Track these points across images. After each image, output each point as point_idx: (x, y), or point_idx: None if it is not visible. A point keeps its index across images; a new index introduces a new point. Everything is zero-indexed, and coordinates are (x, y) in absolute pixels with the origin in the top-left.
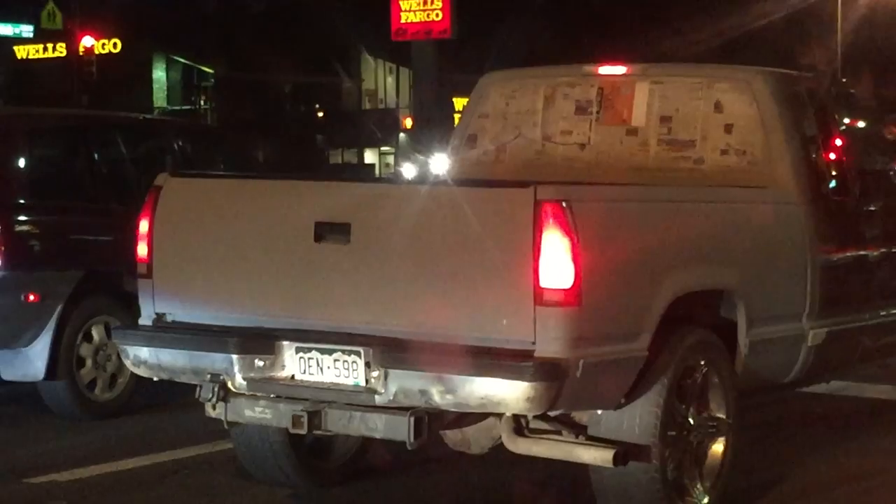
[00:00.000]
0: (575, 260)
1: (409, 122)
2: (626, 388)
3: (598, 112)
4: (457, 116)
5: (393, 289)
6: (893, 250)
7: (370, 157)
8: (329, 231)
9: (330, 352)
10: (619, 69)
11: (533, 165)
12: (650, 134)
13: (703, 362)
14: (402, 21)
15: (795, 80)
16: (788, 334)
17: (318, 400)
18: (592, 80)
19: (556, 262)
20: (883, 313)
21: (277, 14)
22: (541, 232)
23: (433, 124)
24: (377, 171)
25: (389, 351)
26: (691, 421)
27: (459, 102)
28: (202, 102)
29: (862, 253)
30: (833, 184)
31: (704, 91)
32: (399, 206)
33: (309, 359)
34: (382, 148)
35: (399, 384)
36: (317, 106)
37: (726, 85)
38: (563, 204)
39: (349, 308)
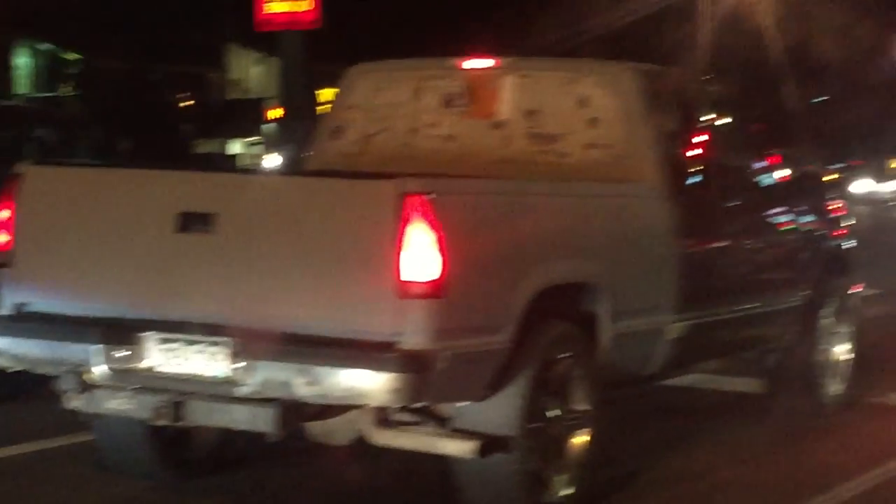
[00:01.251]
0: (439, 252)
1: (275, 113)
2: (489, 380)
3: (464, 105)
4: (323, 108)
5: (258, 280)
6: (751, 245)
7: (237, 147)
8: (193, 221)
9: (193, 342)
10: (487, 62)
11: (398, 158)
12: (516, 128)
13: (566, 355)
14: (267, 11)
15: (661, 75)
16: (650, 327)
17: (180, 391)
18: (460, 74)
19: (421, 255)
20: (741, 307)
21: (143, 2)
22: (406, 224)
23: (301, 115)
24: (240, 162)
25: (253, 341)
26: (554, 413)
27: (328, 93)
28: (70, 90)
29: (721, 247)
30: (694, 179)
31: (571, 86)
32: (264, 196)
33: (172, 349)
34: (249, 139)
35: (263, 375)
36: (183, 95)
37: (593, 80)
38: (428, 196)
39: (213, 299)
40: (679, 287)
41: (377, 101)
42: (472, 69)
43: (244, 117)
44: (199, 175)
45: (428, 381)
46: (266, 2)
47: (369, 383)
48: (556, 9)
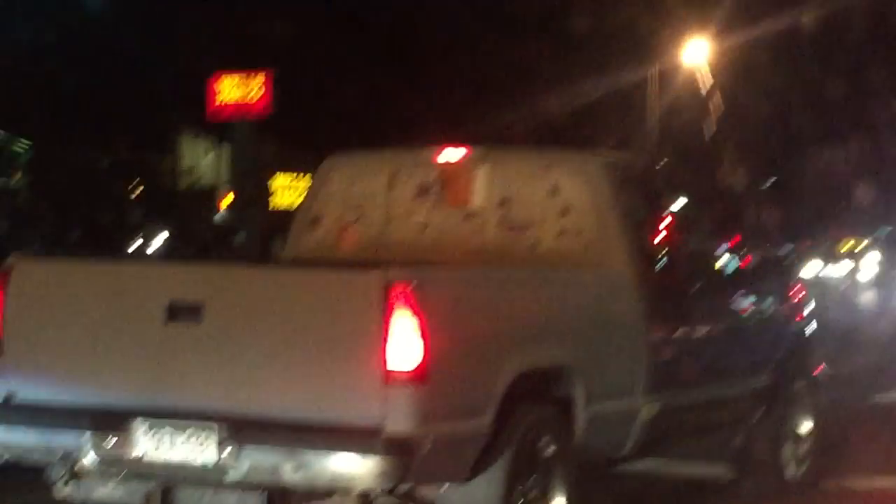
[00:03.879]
0: (423, 340)
1: (227, 201)
2: (471, 462)
3: (438, 194)
4: (277, 194)
5: (246, 369)
6: (717, 329)
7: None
8: (181, 311)
9: (182, 429)
10: (460, 152)
11: (374, 247)
12: (489, 216)
13: (544, 438)
14: (219, 101)
15: (627, 163)
16: (623, 409)
17: (169, 478)
18: (433, 163)
19: (405, 343)
20: (709, 389)
21: (96, 88)
22: (390, 313)
23: (254, 203)
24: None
25: (242, 427)
26: (532, 494)
27: (280, 179)
28: (20, 179)
29: (689, 331)
30: (664, 264)
31: (543, 174)
32: (251, 287)
33: (161, 436)
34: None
35: (251, 461)
36: (134, 182)
37: (563, 169)
38: (412, 284)
39: (203, 387)
40: (650, 370)
41: (353, 191)
42: (445, 160)
43: (196, 206)
44: (186, 266)
45: (413, 464)
46: (218, 93)
47: (357, 467)
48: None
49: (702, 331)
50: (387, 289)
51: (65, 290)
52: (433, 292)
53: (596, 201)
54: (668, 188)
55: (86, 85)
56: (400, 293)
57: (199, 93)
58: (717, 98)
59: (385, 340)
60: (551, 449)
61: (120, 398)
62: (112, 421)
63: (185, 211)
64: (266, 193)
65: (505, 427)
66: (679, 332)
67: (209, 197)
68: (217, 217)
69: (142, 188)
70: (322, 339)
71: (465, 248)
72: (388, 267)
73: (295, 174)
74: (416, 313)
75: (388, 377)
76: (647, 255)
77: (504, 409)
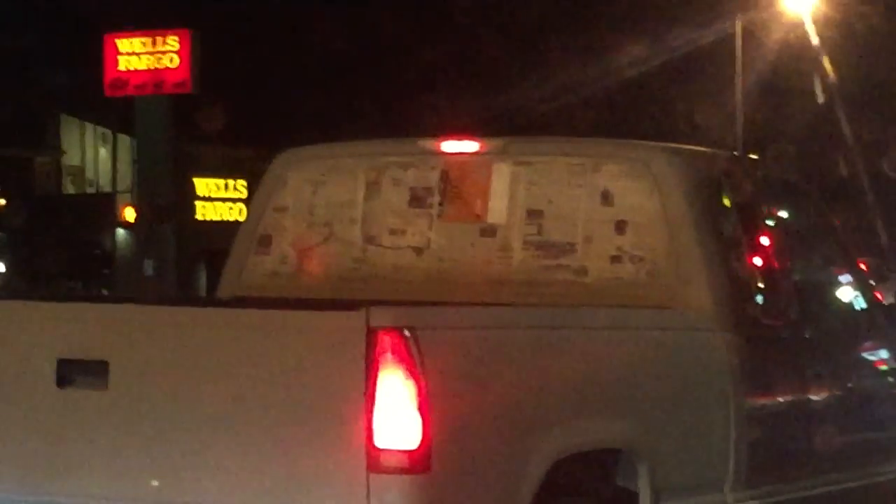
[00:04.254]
0: (422, 410)
1: (130, 213)
2: None
3: (440, 204)
4: (200, 204)
5: (170, 451)
6: (841, 394)
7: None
8: (78, 372)
9: None
10: (470, 145)
11: (352, 278)
12: (513, 234)
13: None
14: (122, 68)
15: (710, 160)
16: None
17: None
18: (432, 160)
19: (397, 414)
20: (828, 480)
21: None
22: (376, 371)
23: (167, 216)
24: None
25: None
26: None
27: (203, 185)
28: None
29: (802, 398)
30: (763, 303)
31: (588, 175)
32: (173, 336)
33: None
34: (94, 251)
35: None
36: None
37: (617, 167)
38: (406, 332)
39: (107, 477)
40: (746, 453)
41: (317, 201)
42: (448, 153)
43: (87, 219)
44: (81, 307)
45: None
46: (118, 54)
47: None
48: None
49: (818, 397)
50: (370, 338)
51: None
52: (436, 342)
53: (665, 213)
54: (768, 194)
55: None
56: (388, 344)
57: (90, 61)
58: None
59: (369, 411)
60: None
61: None
62: None
63: (66, 227)
64: (188, 202)
65: None
66: (785, 400)
67: (106, 206)
68: (119, 234)
69: (5, 198)
70: (281, 410)
71: (481, 280)
72: (370, 307)
73: (225, 180)
74: (411, 372)
75: (374, 462)
76: (739, 289)
77: None
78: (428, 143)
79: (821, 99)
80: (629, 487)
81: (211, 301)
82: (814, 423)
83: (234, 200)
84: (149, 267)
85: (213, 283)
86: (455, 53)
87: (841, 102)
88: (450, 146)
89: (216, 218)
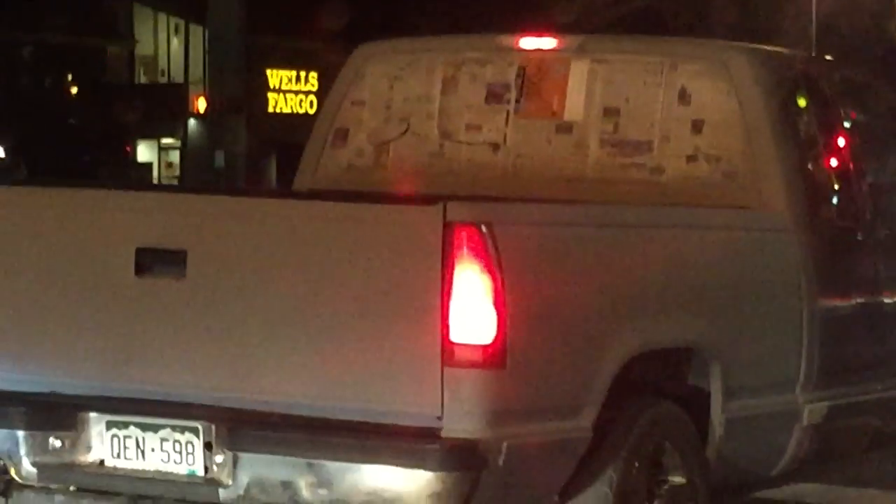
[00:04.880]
0: (497, 305)
1: (202, 104)
2: (564, 479)
3: (517, 100)
4: (272, 96)
5: (245, 343)
6: None
7: (145, 152)
8: (156, 261)
9: (155, 428)
10: (548, 41)
11: (428, 173)
12: (590, 132)
13: (665, 446)
14: None
15: (788, 61)
16: (778, 410)
17: (139, 495)
18: (510, 57)
19: (473, 309)
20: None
21: None
22: (452, 266)
23: (238, 107)
24: (156, 172)
25: (240, 427)
26: None
27: (275, 77)
28: None
29: (876, 300)
30: (838, 204)
31: (665, 74)
32: (251, 227)
33: (125, 437)
34: (163, 140)
35: (253, 474)
36: (69, 77)
37: (695, 66)
38: (483, 228)
39: (184, 368)
40: (818, 354)
41: (395, 95)
42: (526, 50)
43: (159, 110)
44: (161, 197)
45: (483, 483)
46: None
47: (402, 485)
48: None
49: (891, 300)
50: (446, 232)
51: None
52: (512, 238)
53: (743, 113)
54: (843, 95)
55: None
56: (465, 239)
57: None
58: None
59: (446, 306)
60: (676, 462)
61: (67, 382)
62: (55, 415)
63: (140, 118)
64: (260, 95)
65: (612, 431)
66: (858, 301)
67: (176, 97)
68: (191, 125)
69: (78, 86)
70: (353, 303)
71: (557, 177)
72: (447, 202)
73: (296, 71)
74: (487, 267)
75: (450, 358)
76: (815, 190)
77: (611, 405)
78: (505, 40)
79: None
80: (702, 386)
81: (288, 193)
82: (887, 325)
83: (305, 93)
84: (219, 158)
85: (283, 177)
86: None
87: None
88: (527, 43)
89: (287, 110)
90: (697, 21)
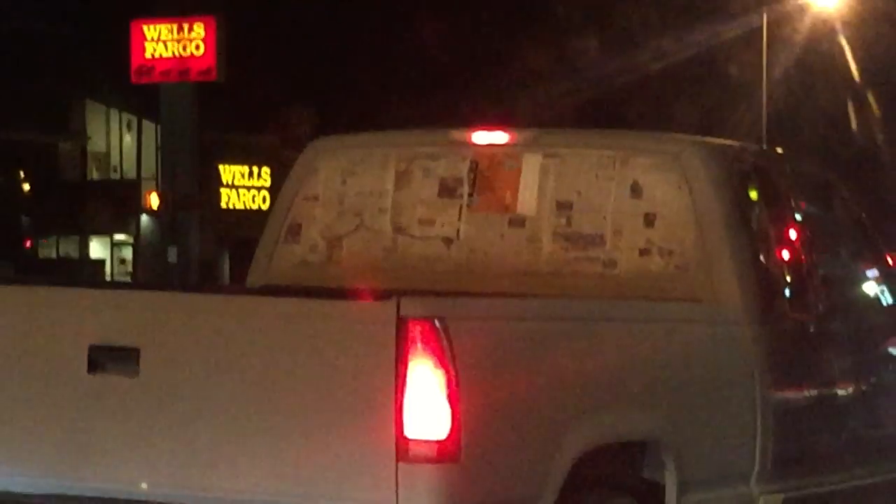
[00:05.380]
0: (451, 400)
1: (154, 200)
2: None
3: (470, 195)
4: (224, 192)
5: (200, 439)
6: (868, 389)
7: (98, 249)
8: (108, 358)
9: None
10: (500, 136)
11: (381, 267)
12: (543, 226)
13: None
14: (148, 55)
15: (739, 153)
16: (733, 502)
17: None
18: (462, 151)
19: (427, 404)
20: (854, 475)
21: None
22: (406, 361)
23: (191, 203)
24: (109, 269)
25: None
26: None
27: (228, 172)
28: None
29: (830, 391)
30: (790, 296)
31: (617, 168)
32: (204, 324)
33: None
34: (116, 236)
35: None
36: (21, 174)
37: (647, 160)
38: (437, 322)
39: (138, 465)
40: (773, 446)
41: (348, 190)
42: (479, 145)
43: (111, 206)
44: (113, 294)
45: None
46: (145, 41)
47: None
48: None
49: (845, 390)
50: (400, 327)
51: None
52: (466, 333)
53: (695, 206)
54: (795, 187)
55: None
56: (419, 334)
57: (114, 48)
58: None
59: (399, 401)
60: None
61: (18, 481)
62: None
63: (91, 214)
64: (212, 190)
65: None
66: (812, 393)
67: (130, 193)
68: (143, 221)
69: (30, 183)
70: (309, 398)
71: (511, 271)
72: (400, 297)
73: (248, 167)
74: (441, 362)
75: (404, 452)
76: (767, 283)
77: (566, 498)
78: (458, 134)
79: (855, 125)
80: (656, 479)
81: (242, 289)
82: (840, 417)
83: (258, 188)
84: (172, 254)
85: (236, 272)
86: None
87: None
88: (480, 137)
89: (240, 206)
90: (652, 112)
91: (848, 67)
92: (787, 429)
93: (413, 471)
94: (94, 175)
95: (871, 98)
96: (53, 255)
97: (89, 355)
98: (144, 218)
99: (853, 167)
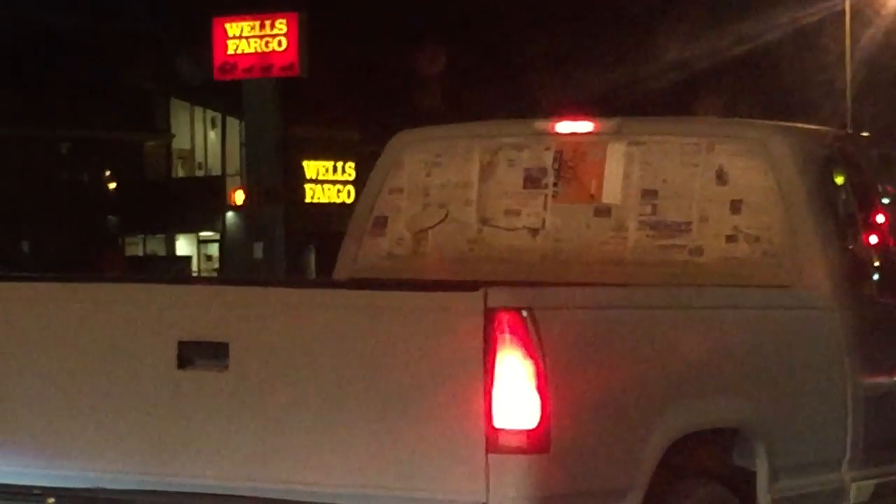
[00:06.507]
0: (540, 390)
1: (239, 196)
2: None
3: (555, 185)
4: (309, 187)
5: (288, 433)
6: None
7: (184, 246)
8: (198, 353)
9: None
10: (584, 125)
11: (467, 259)
12: (628, 215)
13: None
14: (231, 52)
15: (824, 138)
16: (824, 489)
17: None
18: (547, 141)
19: (516, 394)
20: None
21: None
22: (494, 352)
23: (276, 198)
24: (195, 265)
25: None
26: None
27: (312, 167)
28: None
29: None
30: (878, 280)
31: (703, 155)
32: (292, 318)
33: None
34: (202, 233)
35: None
36: (107, 173)
37: (733, 146)
38: (524, 313)
39: (227, 460)
40: (864, 431)
41: (433, 182)
42: (563, 134)
43: (197, 203)
44: (202, 290)
45: None
46: (227, 38)
47: None
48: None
49: None
50: (488, 318)
51: (28, 324)
52: (554, 323)
53: (781, 191)
54: (882, 171)
55: (32, 37)
56: (507, 324)
57: (197, 46)
58: None
59: (488, 393)
60: None
61: (111, 477)
62: None
63: (177, 211)
64: (297, 185)
65: None
66: None
67: (215, 190)
68: (229, 218)
69: (116, 182)
70: (396, 391)
71: (597, 260)
72: (488, 288)
73: (332, 162)
74: (529, 352)
75: (493, 444)
76: (855, 268)
77: (656, 488)
78: (542, 125)
79: None
80: (747, 466)
81: (329, 283)
82: None
83: (343, 183)
84: (258, 249)
85: (322, 266)
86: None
87: None
88: (564, 127)
89: (325, 200)
90: (729, 98)
91: None
92: (878, 414)
93: (503, 461)
94: (180, 172)
95: None
96: (140, 253)
97: (179, 351)
98: (230, 214)
99: None
